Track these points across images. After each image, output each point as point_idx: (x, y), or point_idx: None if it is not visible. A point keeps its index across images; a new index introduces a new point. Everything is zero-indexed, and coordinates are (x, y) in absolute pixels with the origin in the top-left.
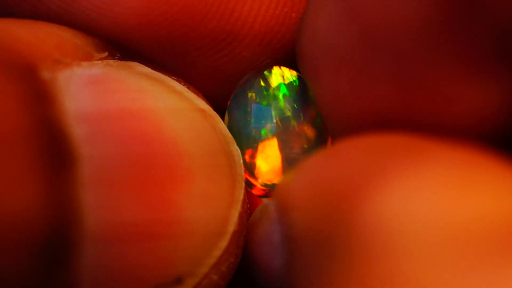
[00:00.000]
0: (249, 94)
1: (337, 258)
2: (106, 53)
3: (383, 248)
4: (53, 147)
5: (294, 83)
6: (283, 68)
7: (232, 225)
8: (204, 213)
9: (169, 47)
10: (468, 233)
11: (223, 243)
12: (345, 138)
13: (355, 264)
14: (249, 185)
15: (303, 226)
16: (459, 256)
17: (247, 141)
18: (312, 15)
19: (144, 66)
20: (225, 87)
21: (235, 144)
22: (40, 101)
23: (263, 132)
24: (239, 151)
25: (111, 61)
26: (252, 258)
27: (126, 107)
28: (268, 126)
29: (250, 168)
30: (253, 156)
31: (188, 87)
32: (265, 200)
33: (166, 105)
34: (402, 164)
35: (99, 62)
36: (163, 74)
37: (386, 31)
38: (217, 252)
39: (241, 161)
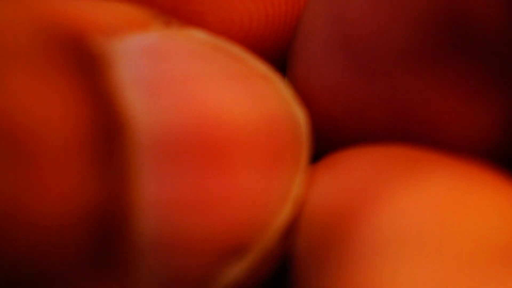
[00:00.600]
0: None
1: (336, 274)
2: (162, 22)
3: (386, 265)
4: (107, 116)
5: None
6: None
7: (295, 190)
8: (267, 179)
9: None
10: (474, 248)
11: (287, 209)
12: (343, 149)
13: (356, 281)
14: None
15: (306, 243)
16: (464, 270)
17: None
18: (302, 40)
19: (202, 32)
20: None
21: (299, 109)
22: (92, 70)
23: None
24: (304, 116)
25: (168, 30)
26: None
27: (184, 72)
28: None
29: None
30: None
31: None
32: None
33: (227, 70)
34: (404, 179)
35: (156, 31)
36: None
37: (379, 58)
38: (281, 219)
39: (306, 127)
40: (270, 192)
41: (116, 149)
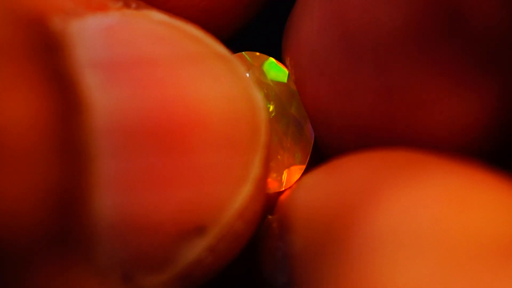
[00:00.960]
0: None
1: (335, 275)
2: (121, 3)
3: (384, 264)
4: (64, 96)
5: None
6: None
7: (253, 171)
8: (224, 158)
9: None
10: (471, 248)
11: (246, 189)
12: (340, 153)
13: (355, 282)
14: None
15: (303, 243)
16: (461, 270)
17: None
18: (297, 19)
19: (160, 13)
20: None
21: (256, 88)
22: (51, 51)
23: None
24: (260, 95)
25: (127, 10)
26: (259, 274)
27: (142, 54)
28: None
29: None
30: None
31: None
32: (269, 216)
33: (183, 51)
34: (401, 181)
35: (114, 11)
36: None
37: (368, 39)
38: (240, 198)
39: (264, 105)
40: (228, 171)
41: (74, 130)
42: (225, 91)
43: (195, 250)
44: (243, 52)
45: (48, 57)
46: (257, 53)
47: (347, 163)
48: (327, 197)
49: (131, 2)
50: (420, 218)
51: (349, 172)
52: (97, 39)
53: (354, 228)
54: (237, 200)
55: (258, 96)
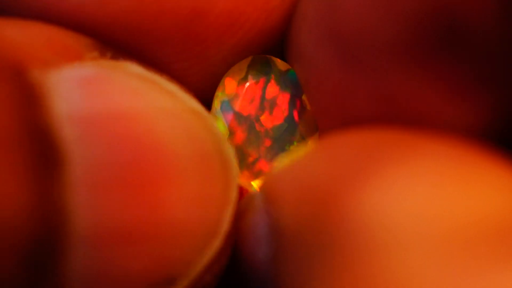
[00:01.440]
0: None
1: (321, 252)
2: (97, 53)
3: (368, 245)
4: (41, 149)
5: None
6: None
7: (225, 226)
8: (196, 214)
9: (129, 25)
10: (460, 231)
11: (216, 243)
12: (332, 133)
13: (340, 261)
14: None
15: (290, 218)
16: (448, 254)
17: None
18: (296, 27)
19: (136, 65)
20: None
21: (228, 144)
22: (29, 103)
23: None
24: (232, 150)
25: (103, 61)
26: (238, 248)
27: (117, 108)
28: None
29: None
30: None
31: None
32: (252, 191)
33: (157, 106)
34: (390, 160)
35: (90, 62)
36: (156, 73)
37: (365, 51)
38: (211, 253)
39: (235, 161)
40: (199, 226)
41: (52, 180)
42: (199, 147)
43: None
44: (269, 56)
45: (27, 110)
46: (279, 60)
47: (337, 141)
48: (315, 174)
49: (106, 51)
50: (407, 200)
51: (339, 149)
52: (73, 91)
53: (340, 208)
54: (207, 254)
55: (230, 152)
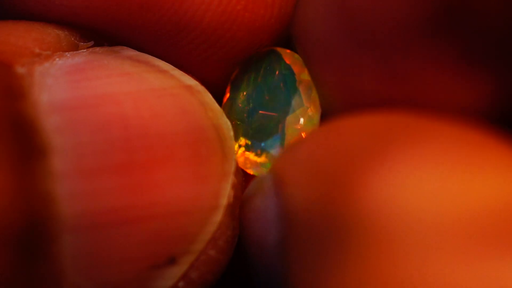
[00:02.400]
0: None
1: (333, 236)
2: (92, 42)
3: (381, 230)
4: (23, 140)
5: None
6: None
7: (225, 198)
8: (192, 189)
9: (113, 34)
10: (472, 218)
11: (217, 217)
12: (343, 115)
13: (352, 245)
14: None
15: (300, 201)
16: (461, 241)
17: None
18: (301, 8)
19: (130, 49)
20: None
21: (224, 117)
22: (12, 96)
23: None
24: (229, 123)
25: (97, 48)
26: (245, 233)
27: (105, 92)
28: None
29: None
30: None
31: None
32: (260, 174)
33: (149, 86)
34: (403, 144)
35: (84, 50)
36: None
37: (370, 28)
38: (212, 227)
39: (231, 133)
40: (197, 202)
41: (34, 175)
42: (193, 121)
43: (168, 280)
44: (276, 48)
45: (11, 104)
46: (288, 50)
47: (348, 124)
48: (327, 156)
49: (103, 41)
50: (419, 185)
51: (350, 132)
52: (60, 81)
53: (353, 192)
54: (209, 229)
55: (226, 125)
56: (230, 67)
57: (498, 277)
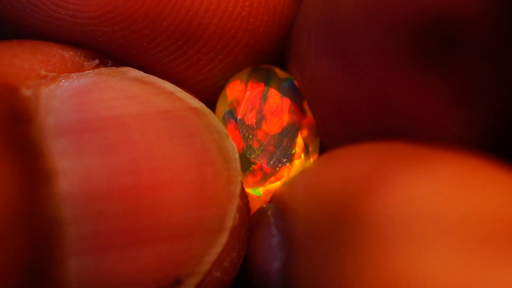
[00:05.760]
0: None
1: (339, 256)
2: (97, 61)
3: (395, 240)
4: (29, 163)
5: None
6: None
7: (230, 220)
8: (198, 212)
9: (124, 45)
10: (472, 221)
11: (222, 239)
12: (340, 146)
13: (364, 261)
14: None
15: (302, 227)
16: (469, 246)
17: None
18: (296, 37)
19: (136, 70)
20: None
21: (230, 139)
22: (18, 119)
23: None
24: (234, 145)
25: (103, 69)
26: (250, 261)
27: (111, 115)
28: None
29: None
30: None
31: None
32: (263, 205)
33: (155, 108)
34: (407, 165)
35: (90, 71)
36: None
37: (365, 58)
38: (217, 249)
39: (237, 155)
40: (202, 224)
41: (39, 198)
42: (198, 144)
43: None
44: (268, 66)
45: (17, 127)
46: (278, 69)
47: (350, 153)
48: (330, 183)
49: (107, 60)
50: (427, 198)
51: (352, 160)
52: (66, 103)
53: (363, 213)
54: (213, 251)
55: (231, 147)
56: (243, 67)
57: (497, 274)
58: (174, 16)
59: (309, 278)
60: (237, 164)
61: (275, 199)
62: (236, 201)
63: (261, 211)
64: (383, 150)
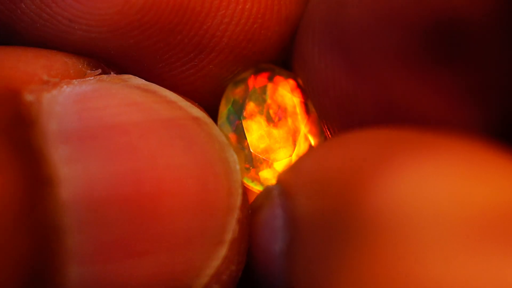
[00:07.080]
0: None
1: (343, 239)
2: (100, 70)
3: (395, 229)
4: (31, 169)
5: None
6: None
7: (229, 233)
8: (199, 222)
9: (137, 57)
10: (475, 216)
11: (222, 251)
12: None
13: (361, 244)
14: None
15: (307, 209)
16: (470, 238)
17: None
18: (301, 37)
19: (137, 78)
20: (191, 100)
21: (231, 150)
22: (20, 123)
23: None
24: (235, 156)
25: (104, 76)
26: (253, 242)
27: (113, 122)
28: None
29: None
30: None
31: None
32: (267, 185)
33: (157, 116)
34: (411, 151)
35: (91, 78)
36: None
37: (368, 56)
38: (216, 262)
39: (238, 166)
40: (202, 236)
41: (41, 205)
42: (200, 154)
43: None
44: (272, 65)
45: (19, 132)
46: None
47: (354, 137)
48: (335, 165)
49: (109, 69)
50: (430, 187)
51: (354, 144)
52: (68, 110)
53: (365, 194)
54: (213, 264)
55: (232, 158)
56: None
57: (500, 270)
58: (188, 29)
59: (312, 260)
60: (238, 176)
61: (281, 180)
62: (236, 213)
63: (265, 191)
64: (387, 135)
